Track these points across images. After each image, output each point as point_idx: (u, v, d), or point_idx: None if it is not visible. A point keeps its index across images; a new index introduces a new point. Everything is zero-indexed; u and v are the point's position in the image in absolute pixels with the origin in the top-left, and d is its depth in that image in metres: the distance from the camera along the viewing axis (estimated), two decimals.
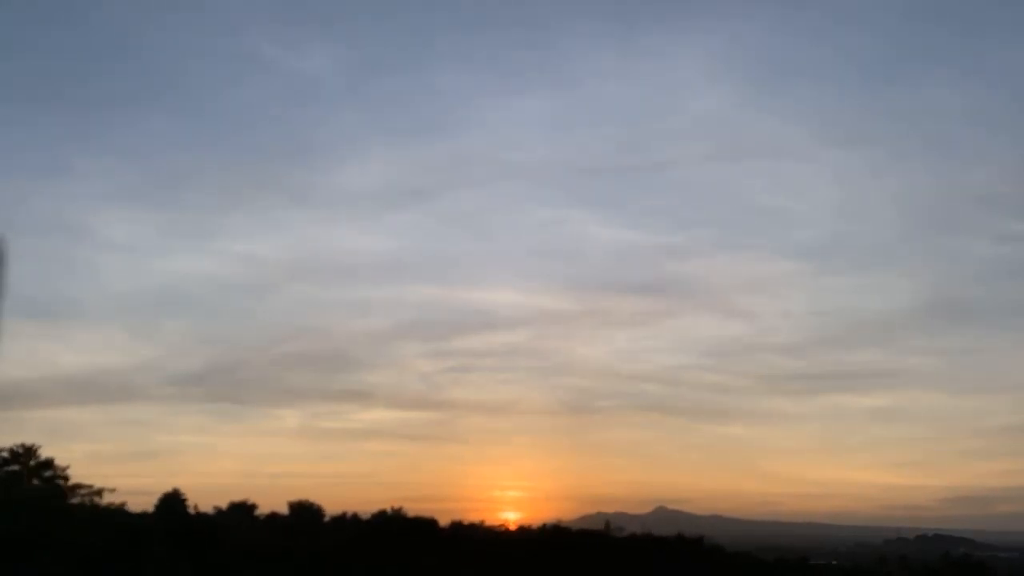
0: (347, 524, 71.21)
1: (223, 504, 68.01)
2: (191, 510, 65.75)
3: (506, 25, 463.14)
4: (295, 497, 71.30)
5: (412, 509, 75.73)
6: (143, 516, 63.01)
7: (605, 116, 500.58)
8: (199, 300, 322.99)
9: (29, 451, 57.02)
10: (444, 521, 75.57)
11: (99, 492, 58.36)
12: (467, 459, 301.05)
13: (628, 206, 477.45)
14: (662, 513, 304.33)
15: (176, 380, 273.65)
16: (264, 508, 70.34)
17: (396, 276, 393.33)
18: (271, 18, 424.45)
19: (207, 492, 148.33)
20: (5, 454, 56.35)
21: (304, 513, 70.10)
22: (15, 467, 56.81)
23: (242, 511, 67.93)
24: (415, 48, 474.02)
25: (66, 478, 57.89)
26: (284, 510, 70.70)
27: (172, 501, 65.16)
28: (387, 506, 74.28)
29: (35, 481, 57.10)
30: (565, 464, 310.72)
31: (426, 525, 73.18)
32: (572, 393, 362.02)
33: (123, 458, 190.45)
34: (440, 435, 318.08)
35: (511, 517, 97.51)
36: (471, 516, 79.74)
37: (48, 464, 57.52)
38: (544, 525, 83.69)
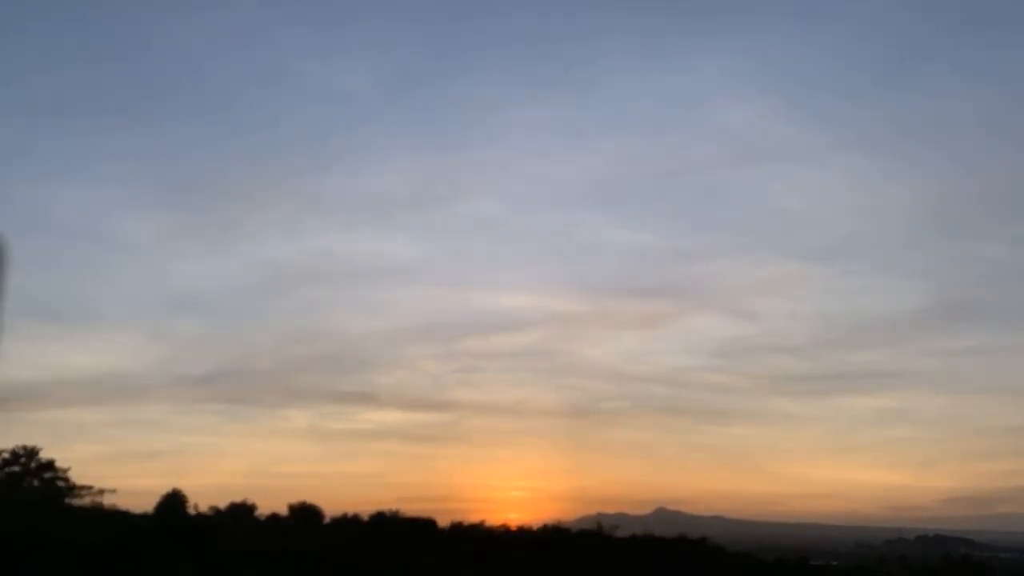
0: (347, 525, 71.25)
1: (224, 504, 68.24)
2: (191, 510, 65.84)
3: (526, 34, 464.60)
4: (303, 498, 71.75)
5: (417, 510, 75.95)
6: (143, 516, 63.07)
7: (622, 125, 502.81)
8: (212, 303, 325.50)
9: (30, 452, 57.08)
10: (447, 521, 75.70)
11: (100, 493, 58.47)
12: (474, 460, 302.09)
13: (641, 210, 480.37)
14: (662, 514, 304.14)
15: (186, 381, 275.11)
16: (270, 508, 70.71)
17: (407, 279, 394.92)
18: (294, 24, 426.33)
19: (215, 492, 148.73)
20: (6, 455, 56.43)
21: (304, 514, 70.21)
22: (15, 468, 56.87)
23: (242, 511, 68.04)
24: (434, 57, 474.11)
25: (67, 479, 57.97)
26: (286, 511, 70.93)
27: (172, 501, 65.26)
28: (389, 507, 74.37)
29: (35, 482, 57.14)
30: (569, 465, 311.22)
31: (424, 525, 73.16)
32: (579, 394, 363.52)
33: (131, 458, 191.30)
34: (448, 436, 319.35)
35: (514, 517, 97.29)
36: (476, 517, 79.63)
37: (49, 465, 57.58)
38: (544, 525, 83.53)
